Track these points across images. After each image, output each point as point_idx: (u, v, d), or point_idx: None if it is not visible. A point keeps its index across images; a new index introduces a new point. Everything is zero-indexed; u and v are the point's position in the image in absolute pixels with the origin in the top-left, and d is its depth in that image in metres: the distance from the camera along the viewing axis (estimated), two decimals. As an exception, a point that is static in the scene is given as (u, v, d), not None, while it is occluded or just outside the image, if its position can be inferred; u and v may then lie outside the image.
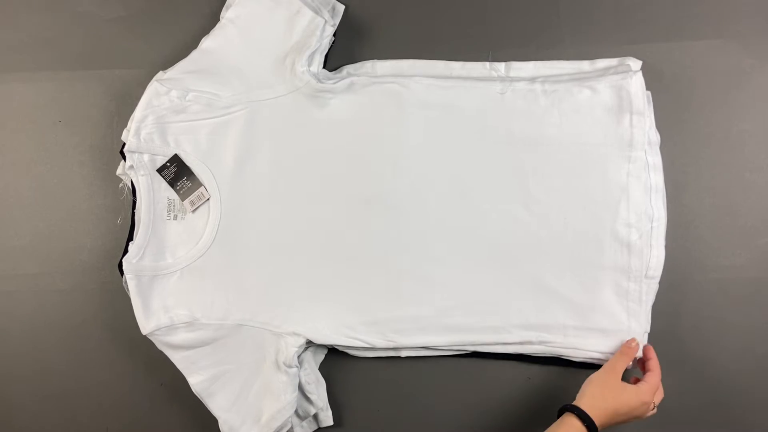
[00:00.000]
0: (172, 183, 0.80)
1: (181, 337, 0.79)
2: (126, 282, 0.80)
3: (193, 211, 0.81)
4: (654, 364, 0.75)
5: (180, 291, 0.80)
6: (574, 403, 0.70)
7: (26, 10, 0.92)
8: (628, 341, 0.77)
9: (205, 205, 0.81)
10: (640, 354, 0.78)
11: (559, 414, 0.70)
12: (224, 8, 0.84)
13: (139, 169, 0.80)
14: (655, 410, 0.74)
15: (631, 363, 0.76)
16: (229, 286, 0.80)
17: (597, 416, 0.67)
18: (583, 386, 0.72)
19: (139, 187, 0.80)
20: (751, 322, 0.83)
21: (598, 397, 0.69)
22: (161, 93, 0.80)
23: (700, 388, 0.83)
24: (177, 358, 0.79)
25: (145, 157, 0.80)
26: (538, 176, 0.80)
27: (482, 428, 0.84)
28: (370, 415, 0.85)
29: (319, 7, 0.83)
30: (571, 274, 0.79)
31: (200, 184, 0.80)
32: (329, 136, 0.82)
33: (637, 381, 0.74)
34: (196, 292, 0.80)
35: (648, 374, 0.74)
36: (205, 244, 0.80)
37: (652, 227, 0.79)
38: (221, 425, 0.80)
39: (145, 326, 0.79)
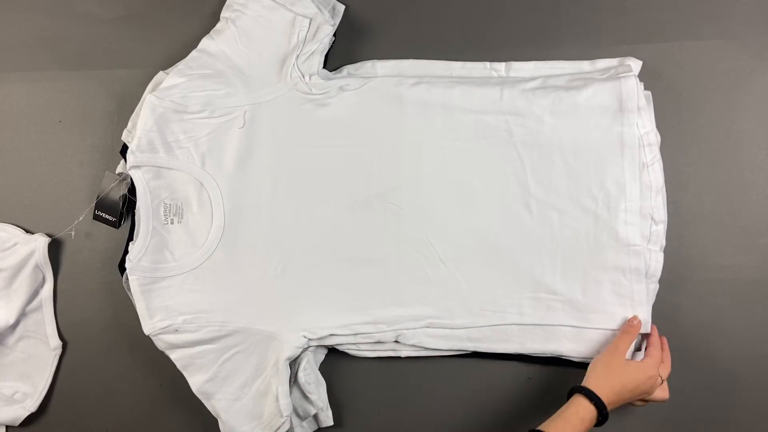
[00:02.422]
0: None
1: (182, 338, 0.79)
2: (126, 282, 0.80)
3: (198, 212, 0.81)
4: (655, 339, 0.77)
5: (183, 292, 0.80)
6: (582, 384, 0.71)
7: (26, 10, 0.92)
8: (630, 319, 0.78)
9: (208, 207, 0.81)
10: (643, 330, 0.78)
11: (569, 396, 0.71)
12: (225, 8, 0.84)
13: (137, 176, 0.80)
14: (663, 384, 0.75)
15: (634, 341, 0.77)
16: (231, 288, 0.80)
17: (605, 395, 0.69)
18: (589, 368, 0.74)
19: (138, 190, 0.80)
20: (751, 322, 0.83)
21: (602, 377, 0.71)
22: (157, 104, 0.80)
23: (701, 388, 0.83)
24: (178, 359, 0.79)
25: (145, 160, 0.80)
26: (537, 176, 0.80)
27: (482, 428, 0.84)
28: (370, 415, 0.85)
29: (320, 7, 0.83)
30: (571, 274, 0.79)
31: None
32: (329, 137, 0.82)
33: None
34: (198, 294, 0.80)
35: (649, 348, 0.76)
36: (209, 247, 0.80)
37: (651, 227, 0.79)
38: (221, 425, 0.80)
39: (148, 326, 0.79)
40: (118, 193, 0.84)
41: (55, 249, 0.88)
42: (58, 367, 0.88)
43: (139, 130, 0.80)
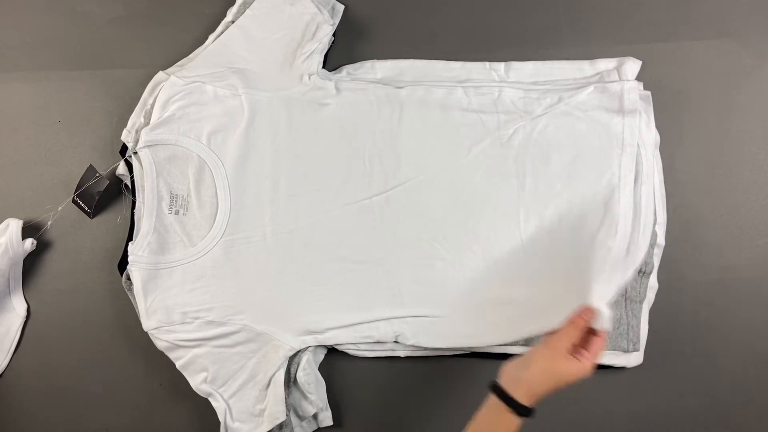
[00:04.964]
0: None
1: (181, 336, 0.79)
2: (126, 282, 0.80)
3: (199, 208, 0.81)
4: (601, 344, 0.65)
5: (183, 292, 0.80)
6: (508, 389, 0.63)
7: (26, 10, 0.92)
8: (580, 310, 0.65)
9: (212, 203, 0.81)
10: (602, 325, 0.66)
11: (492, 389, 0.64)
12: (230, 10, 0.84)
13: (146, 163, 0.80)
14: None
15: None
16: (231, 288, 0.80)
17: (533, 396, 0.62)
18: (522, 364, 0.64)
19: (145, 179, 0.80)
20: (751, 322, 0.83)
21: (537, 381, 0.63)
22: (168, 95, 0.80)
23: (700, 388, 0.83)
24: (177, 358, 0.79)
25: (152, 151, 0.80)
26: (536, 176, 0.80)
27: (482, 428, 0.84)
28: (370, 415, 0.85)
29: (319, 6, 0.83)
30: (569, 273, 0.79)
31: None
32: (329, 137, 0.82)
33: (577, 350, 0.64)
34: (198, 294, 0.80)
35: (594, 341, 0.65)
36: (209, 243, 0.80)
37: (650, 227, 0.79)
38: (222, 426, 0.80)
39: (147, 323, 0.79)
40: (96, 188, 0.84)
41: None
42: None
43: (157, 110, 0.80)
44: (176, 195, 0.81)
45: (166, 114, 0.80)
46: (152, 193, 0.80)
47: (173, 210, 0.81)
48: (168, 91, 0.81)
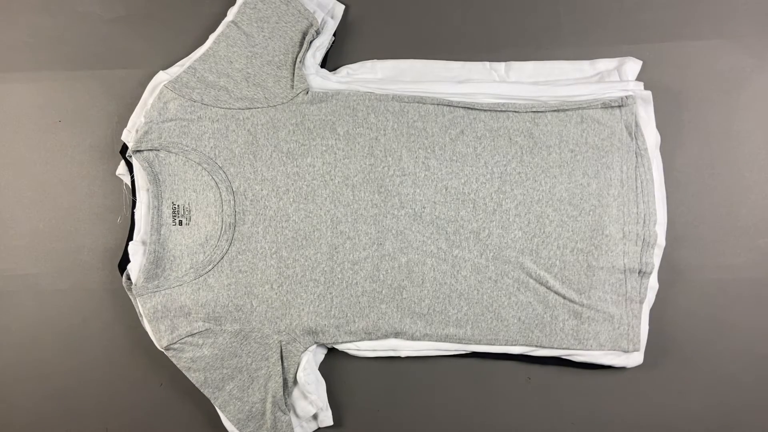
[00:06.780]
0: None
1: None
2: (126, 282, 0.80)
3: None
4: None
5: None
6: None
7: (26, 10, 0.92)
8: None
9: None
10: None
11: None
12: (229, 11, 0.84)
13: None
14: None
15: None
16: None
17: None
18: None
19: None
20: (751, 322, 0.83)
21: None
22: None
23: (700, 388, 0.83)
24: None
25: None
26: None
27: (482, 428, 0.84)
28: (370, 415, 0.85)
29: (319, 7, 0.83)
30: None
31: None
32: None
33: None
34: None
35: None
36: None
37: (651, 227, 0.79)
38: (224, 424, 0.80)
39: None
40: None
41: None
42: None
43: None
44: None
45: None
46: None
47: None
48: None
